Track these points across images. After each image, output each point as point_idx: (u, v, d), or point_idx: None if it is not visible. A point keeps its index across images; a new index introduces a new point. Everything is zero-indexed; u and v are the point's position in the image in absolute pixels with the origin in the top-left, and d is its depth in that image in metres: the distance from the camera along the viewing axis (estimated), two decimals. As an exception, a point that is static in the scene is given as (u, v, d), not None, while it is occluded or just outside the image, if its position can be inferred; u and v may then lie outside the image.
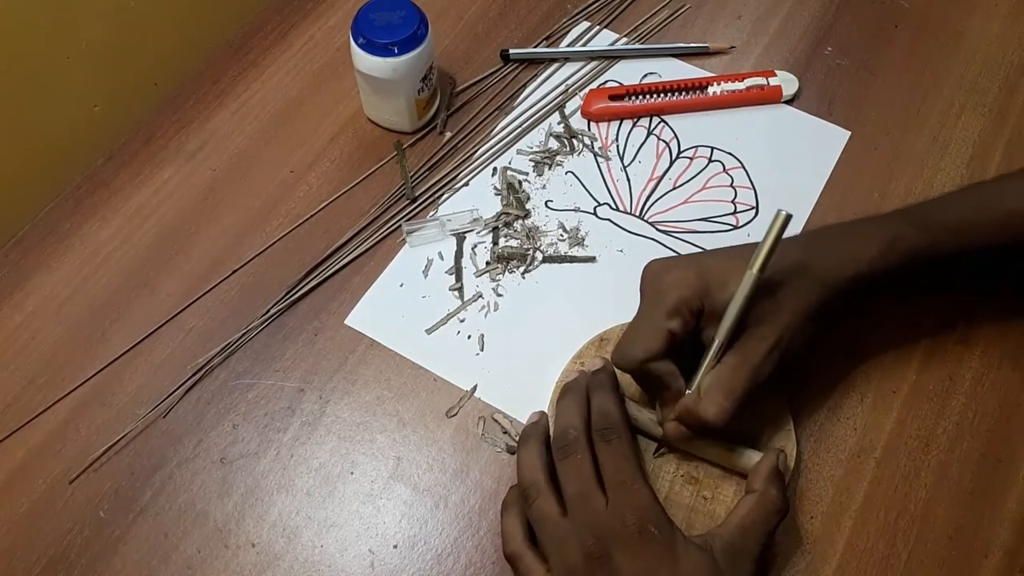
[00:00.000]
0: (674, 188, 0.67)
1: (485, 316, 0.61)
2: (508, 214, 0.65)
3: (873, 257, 0.51)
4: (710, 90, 0.71)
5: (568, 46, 0.75)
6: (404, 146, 0.69)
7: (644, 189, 0.67)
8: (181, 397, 0.58)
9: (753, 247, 0.49)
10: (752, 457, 0.51)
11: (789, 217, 0.48)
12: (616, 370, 0.52)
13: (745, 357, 0.49)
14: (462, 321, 0.61)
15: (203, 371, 0.59)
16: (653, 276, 0.52)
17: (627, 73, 0.73)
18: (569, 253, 0.64)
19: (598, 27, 0.76)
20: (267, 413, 0.58)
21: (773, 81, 0.71)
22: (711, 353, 0.49)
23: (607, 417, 0.49)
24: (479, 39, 0.75)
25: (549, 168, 0.68)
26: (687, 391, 0.50)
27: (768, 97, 0.71)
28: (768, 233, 0.48)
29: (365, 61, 0.63)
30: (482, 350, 0.60)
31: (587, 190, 0.67)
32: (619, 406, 0.50)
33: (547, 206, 0.66)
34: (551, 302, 0.62)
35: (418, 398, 0.58)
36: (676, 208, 0.66)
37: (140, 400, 0.58)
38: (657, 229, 0.65)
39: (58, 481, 0.55)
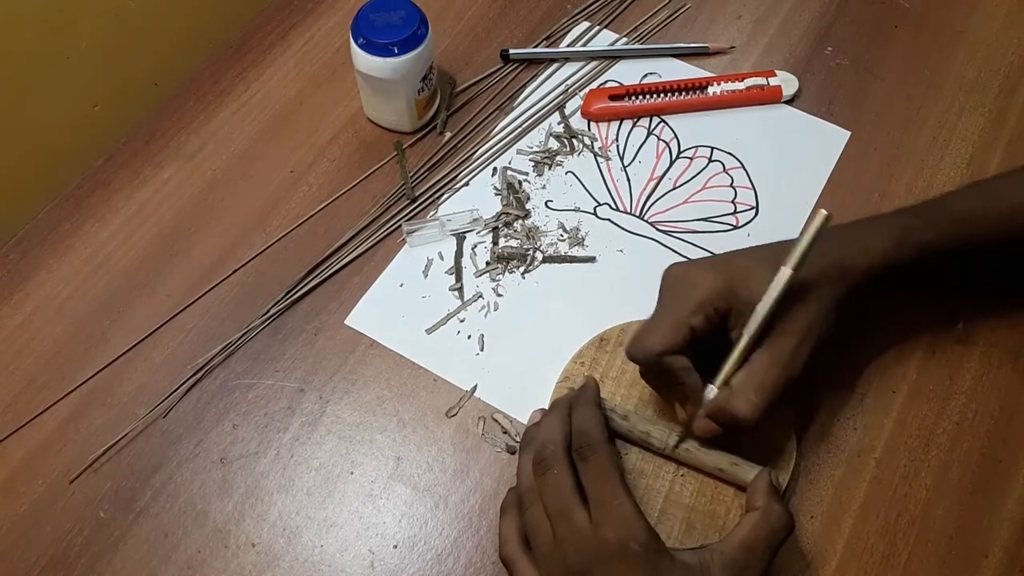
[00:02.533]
0: (674, 188, 0.67)
1: (485, 316, 0.61)
2: (508, 214, 0.65)
3: (885, 250, 0.52)
4: (710, 90, 0.71)
5: (568, 46, 0.75)
6: (404, 146, 0.69)
7: (644, 189, 0.67)
8: (181, 397, 0.58)
9: (774, 247, 0.49)
10: (750, 471, 0.51)
11: (829, 217, 0.48)
12: (600, 389, 0.52)
13: (776, 354, 0.49)
14: (462, 321, 0.61)
15: (203, 371, 0.59)
16: (676, 276, 0.52)
17: (627, 73, 0.73)
18: (569, 253, 0.64)
19: (598, 27, 0.76)
20: (267, 413, 0.58)
21: (773, 81, 0.71)
22: (739, 350, 0.49)
23: (584, 434, 0.48)
24: (479, 39, 0.75)
25: (549, 168, 0.68)
26: (708, 386, 0.50)
27: (768, 97, 0.71)
28: (805, 231, 0.48)
29: (365, 61, 0.63)
30: (482, 350, 0.60)
31: (587, 190, 0.67)
32: (598, 422, 0.49)
33: (547, 206, 0.66)
34: (551, 302, 0.62)
35: (418, 398, 0.58)
36: (676, 208, 0.66)
37: (140, 400, 0.58)
38: (657, 229, 0.65)
39: (58, 481, 0.55)
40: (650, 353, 0.49)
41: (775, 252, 0.49)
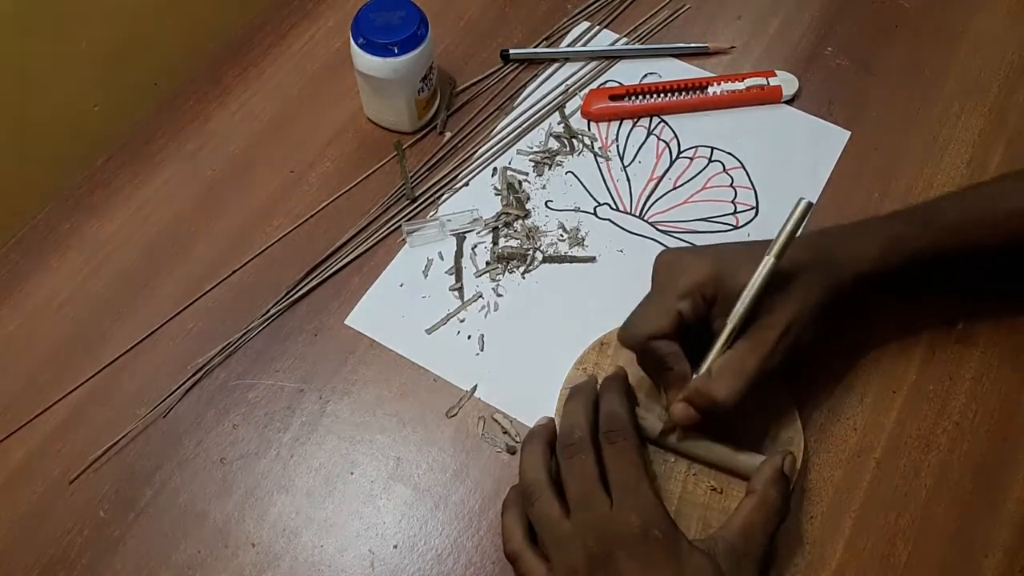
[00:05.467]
0: (674, 188, 0.67)
1: (485, 316, 0.61)
2: (508, 214, 0.65)
3: (875, 256, 0.52)
4: (710, 90, 0.71)
5: (568, 46, 0.75)
6: (404, 146, 0.68)
7: (644, 189, 0.67)
8: (181, 397, 0.58)
9: (767, 242, 0.49)
10: (755, 460, 0.51)
11: (810, 205, 0.49)
12: (628, 375, 0.53)
13: (757, 343, 0.49)
14: (462, 321, 0.61)
15: (203, 371, 0.59)
16: (667, 262, 0.53)
17: (627, 73, 0.73)
18: (569, 253, 0.64)
19: (598, 27, 0.76)
20: (267, 413, 0.58)
21: (773, 81, 0.71)
22: (723, 337, 0.50)
23: (614, 419, 0.49)
24: (479, 39, 0.75)
25: (549, 168, 0.68)
26: (694, 375, 0.50)
27: (768, 97, 0.71)
28: (788, 220, 0.48)
29: (365, 61, 0.63)
30: (482, 350, 0.60)
31: (587, 190, 0.67)
32: (628, 409, 0.50)
33: (547, 206, 0.66)
34: (551, 302, 0.62)
35: (418, 398, 0.58)
36: (676, 208, 0.66)
37: (140, 400, 0.58)
38: (657, 229, 0.65)
39: (58, 481, 0.55)
40: (640, 337, 0.50)
41: (767, 246, 0.49)
